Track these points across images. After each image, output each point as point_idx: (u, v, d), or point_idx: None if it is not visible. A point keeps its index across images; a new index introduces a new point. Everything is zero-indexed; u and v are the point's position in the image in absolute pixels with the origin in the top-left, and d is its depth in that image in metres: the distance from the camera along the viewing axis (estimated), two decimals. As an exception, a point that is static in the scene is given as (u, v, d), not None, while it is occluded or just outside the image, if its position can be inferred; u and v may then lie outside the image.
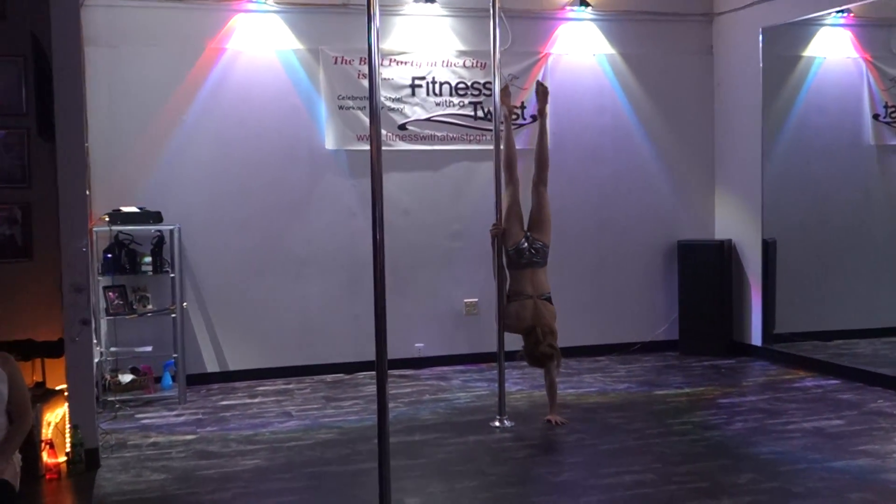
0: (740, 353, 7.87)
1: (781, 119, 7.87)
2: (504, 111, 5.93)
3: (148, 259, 6.59)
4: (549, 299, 5.74)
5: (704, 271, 7.88)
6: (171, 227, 6.57)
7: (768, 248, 7.73)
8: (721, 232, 8.22)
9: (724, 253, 7.90)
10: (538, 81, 5.80)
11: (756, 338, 7.80)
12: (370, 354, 3.83)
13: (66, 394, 5.10)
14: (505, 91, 6.03)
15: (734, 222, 8.06)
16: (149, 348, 6.70)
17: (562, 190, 7.75)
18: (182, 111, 7.02)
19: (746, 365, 7.51)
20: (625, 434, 5.44)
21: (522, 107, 7.67)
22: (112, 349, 6.64)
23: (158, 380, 6.72)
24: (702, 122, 8.26)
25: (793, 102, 7.92)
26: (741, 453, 5.04)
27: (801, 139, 7.93)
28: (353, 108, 7.29)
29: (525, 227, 5.82)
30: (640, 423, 5.68)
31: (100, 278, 6.53)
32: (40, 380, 5.69)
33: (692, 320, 7.95)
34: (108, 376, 6.55)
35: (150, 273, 6.61)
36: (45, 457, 4.90)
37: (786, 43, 7.82)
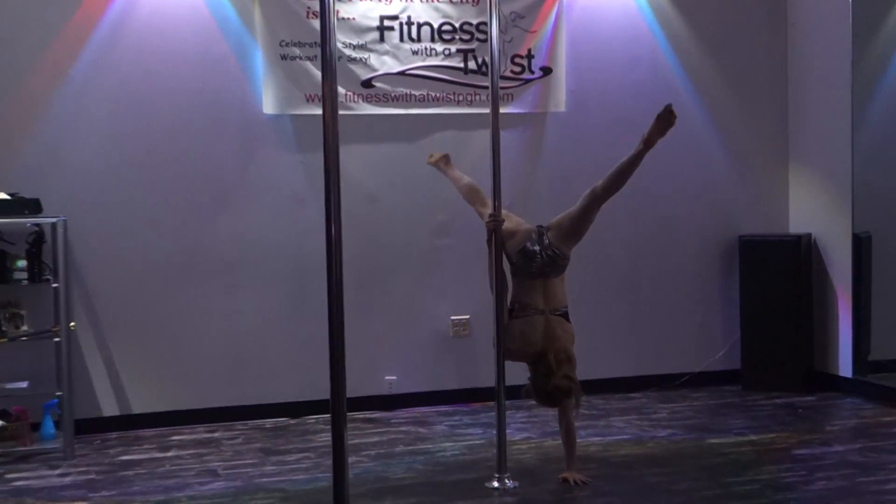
0: (823, 387, 7.93)
1: (878, 72, 7.91)
2: (439, 166, 6.57)
3: (22, 263, 6.59)
4: (565, 315, 5.77)
5: (775, 277, 7.93)
6: (54, 219, 6.57)
7: (861, 246, 7.78)
8: (797, 224, 8.28)
9: (802, 252, 7.95)
10: (668, 108, 5.66)
11: (845, 367, 7.86)
12: (324, 392, 3.84)
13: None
14: (443, 161, 6.57)
15: (815, 211, 8.11)
16: (23, 384, 6.69)
17: (582, 169, 7.77)
18: (68, 64, 7.02)
19: (832, 403, 7.56)
20: (668, 497, 5.47)
21: (530, 55, 7.70)
22: (-27, 386, 6.63)
23: (37, 427, 6.71)
24: (771, 76, 8.31)
25: (894, 47, 7.97)
26: (824, 522, 5.08)
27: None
28: (301, 58, 7.31)
29: (544, 224, 5.83)
30: (687, 483, 5.71)
31: (-44, 290, 6.53)
32: None
33: (759, 344, 8.00)
34: (-33, 423, 6.54)
35: (25, 282, 6.60)
36: None
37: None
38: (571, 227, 5.77)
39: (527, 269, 5.75)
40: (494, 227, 5.74)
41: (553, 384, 5.54)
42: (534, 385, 5.67)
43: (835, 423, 7.04)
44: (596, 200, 5.72)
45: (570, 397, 5.61)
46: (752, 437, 6.62)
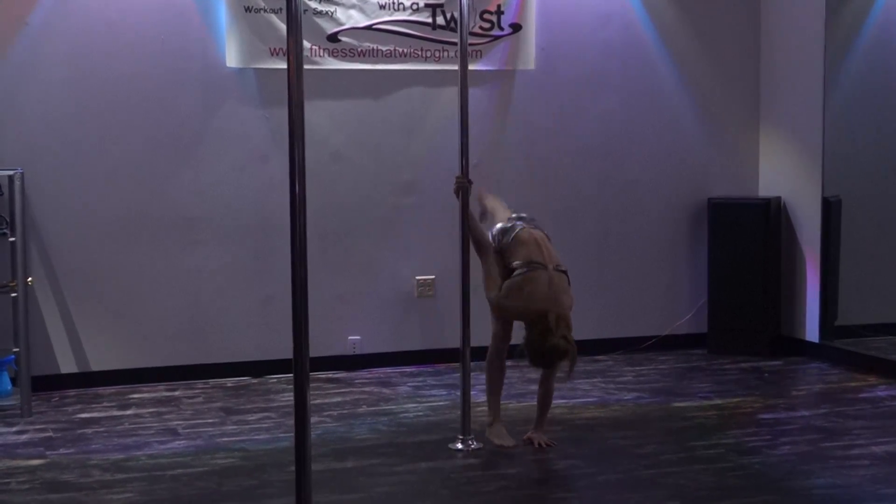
0: (790, 351, 7.99)
1: (851, 35, 7.92)
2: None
3: (-23, 217, 6.55)
4: (566, 274, 5.74)
5: (744, 241, 7.95)
6: (11, 172, 6.51)
7: (830, 210, 7.82)
8: (767, 187, 8.31)
9: (772, 216, 7.98)
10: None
11: (811, 332, 7.92)
12: (286, 351, 3.84)
13: None
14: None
15: (785, 174, 8.14)
16: (-21, 341, 6.67)
17: (550, 128, 7.77)
18: (25, 11, 6.94)
19: (798, 368, 7.63)
20: (632, 460, 5.52)
21: (499, 11, 7.67)
22: (-73, 342, 6.60)
23: (-8, 384, 6.70)
24: (744, 37, 8.30)
25: (868, 9, 7.97)
26: (789, 486, 5.12)
27: (880, 62, 7.99)
28: (266, 10, 7.25)
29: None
30: (652, 446, 5.76)
31: None
32: None
33: (726, 307, 8.04)
34: (-79, 379, 6.52)
35: (-19, 236, 6.57)
36: None
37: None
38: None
39: (508, 234, 5.73)
40: (459, 189, 5.71)
41: (551, 343, 5.41)
42: (528, 344, 5.50)
43: (800, 387, 7.11)
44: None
45: (564, 359, 5.48)
46: (718, 401, 6.68)
